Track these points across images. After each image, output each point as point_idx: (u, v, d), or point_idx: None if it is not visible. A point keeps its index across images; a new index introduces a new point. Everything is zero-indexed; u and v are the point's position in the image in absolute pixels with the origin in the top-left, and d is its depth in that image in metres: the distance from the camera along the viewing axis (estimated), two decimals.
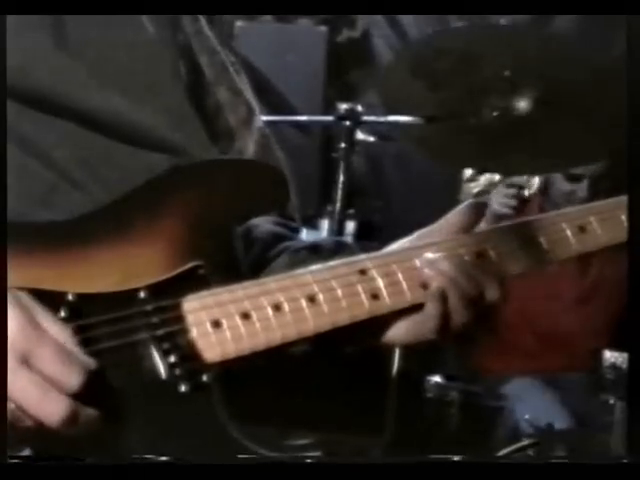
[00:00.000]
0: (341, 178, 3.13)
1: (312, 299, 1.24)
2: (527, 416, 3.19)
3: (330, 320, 1.25)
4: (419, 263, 1.31)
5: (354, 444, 2.78)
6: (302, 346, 1.31)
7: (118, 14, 1.31)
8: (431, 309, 1.31)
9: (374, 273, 1.29)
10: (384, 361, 2.92)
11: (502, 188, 3.69)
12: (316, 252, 1.41)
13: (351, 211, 3.74)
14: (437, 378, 3.20)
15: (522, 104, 2.94)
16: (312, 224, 3.79)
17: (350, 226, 3.83)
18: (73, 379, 1.06)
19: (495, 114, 2.96)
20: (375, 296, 1.28)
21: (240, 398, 1.20)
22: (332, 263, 1.28)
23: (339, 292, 1.26)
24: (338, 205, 3.11)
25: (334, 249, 1.43)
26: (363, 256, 1.31)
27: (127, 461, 1.11)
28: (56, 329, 1.08)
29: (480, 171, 3.64)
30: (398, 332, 1.34)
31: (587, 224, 1.42)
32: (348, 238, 3.66)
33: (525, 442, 2.97)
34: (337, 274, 1.27)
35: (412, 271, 1.31)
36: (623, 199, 1.43)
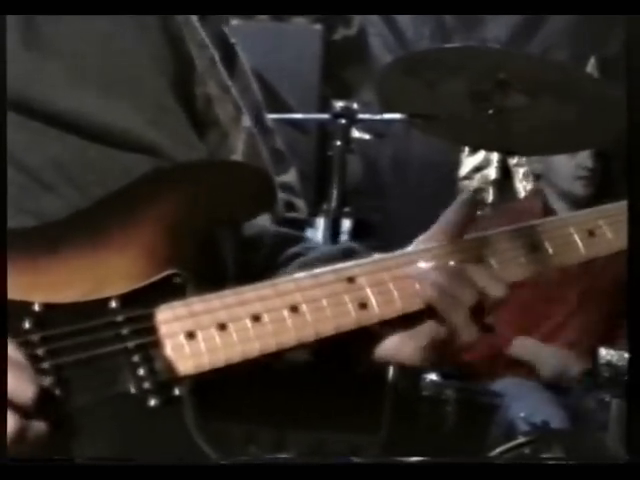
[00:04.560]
0: (336, 176, 3.13)
1: (294, 309, 1.18)
2: (523, 414, 3.19)
3: (314, 330, 1.20)
4: (411, 271, 1.25)
5: (349, 443, 2.77)
6: (303, 355, 1.27)
7: (119, 14, 1.28)
8: (431, 326, 1.23)
9: (363, 281, 1.23)
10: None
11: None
12: (327, 262, 1.31)
13: (347, 209, 3.73)
14: (433, 376, 3.19)
15: (517, 101, 2.96)
16: (308, 222, 3.77)
17: (346, 224, 3.82)
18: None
19: (490, 112, 2.98)
20: (363, 305, 1.22)
21: (215, 411, 1.17)
22: (318, 271, 1.22)
23: (324, 301, 1.20)
24: (333, 203, 3.12)
25: (345, 256, 1.33)
26: (351, 263, 1.24)
27: (125, 461, 1.10)
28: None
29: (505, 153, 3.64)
30: (404, 353, 1.26)
31: (596, 228, 1.36)
32: (344, 237, 3.65)
33: (521, 440, 2.98)
34: (322, 282, 1.21)
35: (404, 279, 1.24)
36: None
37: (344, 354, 1.29)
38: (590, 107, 2.99)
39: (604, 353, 3.01)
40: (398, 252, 1.28)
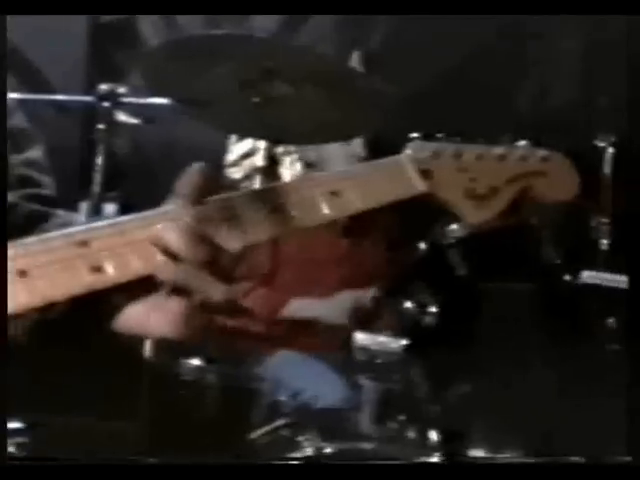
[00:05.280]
0: (100, 160, 3.10)
1: (23, 273, 1.18)
2: (284, 397, 3.24)
3: (42, 295, 1.19)
4: (146, 233, 1.25)
5: (105, 430, 2.74)
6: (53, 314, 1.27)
7: (127, 14, 1.22)
8: (165, 277, 1.24)
9: (96, 245, 1.23)
10: (135, 341, 2.89)
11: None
12: None
13: (112, 194, 3.69)
14: (195, 361, 3.20)
15: (283, 90, 3.01)
16: (71, 206, 3.71)
17: (110, 209, 3.78)
18: None
19: (257, 100, 3.02)
20: (97, 268, 1.22)
21: None
22: (48, 235, 1.23)
23: (53, 266, 1.20)
24: (96, 187, 3.08)
25: None
26: (84, 227, 1.24)
27: (127, 462, 1.07)
28: None
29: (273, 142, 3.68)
30: (153, 325, 1.29)
31: (340, 189, 1.37)
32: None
33: (280, 422, 3.02)
34: (52, 247, 1.21)
35: (139, 241, 1.25)
36: (378, 162, 1.40)
37: (87, 320, 1.29)
38: (353, 99, 3.08)
39: (360, 337, 3.10)
40: (135, 215, 1.29)
